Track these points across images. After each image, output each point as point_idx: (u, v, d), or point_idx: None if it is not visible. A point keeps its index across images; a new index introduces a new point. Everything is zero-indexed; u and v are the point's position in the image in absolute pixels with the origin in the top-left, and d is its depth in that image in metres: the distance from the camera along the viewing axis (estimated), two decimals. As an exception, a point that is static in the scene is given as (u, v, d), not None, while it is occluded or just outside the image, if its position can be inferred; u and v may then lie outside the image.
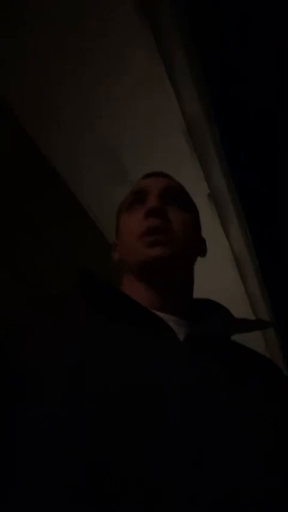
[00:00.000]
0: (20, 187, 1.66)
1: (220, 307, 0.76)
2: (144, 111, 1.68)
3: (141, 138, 1.74)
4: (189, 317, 0.68)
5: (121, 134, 1.75)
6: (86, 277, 0.66)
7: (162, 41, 1.49)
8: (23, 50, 1.45)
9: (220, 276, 2.47)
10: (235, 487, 0.45)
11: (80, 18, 1.39)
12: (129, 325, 0.58)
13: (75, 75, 1.55)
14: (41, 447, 0.44)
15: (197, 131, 1.81)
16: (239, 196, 2.31)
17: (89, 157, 1.83)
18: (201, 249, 0.83)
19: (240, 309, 2.95)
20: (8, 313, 0.61)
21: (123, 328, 0.58)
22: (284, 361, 3.93)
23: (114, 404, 0.47)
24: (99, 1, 1.34)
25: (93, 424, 0.45)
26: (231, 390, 0.55)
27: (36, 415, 0.45)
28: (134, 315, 0.60)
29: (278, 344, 3.77)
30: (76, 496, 0.41)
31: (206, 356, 0.57)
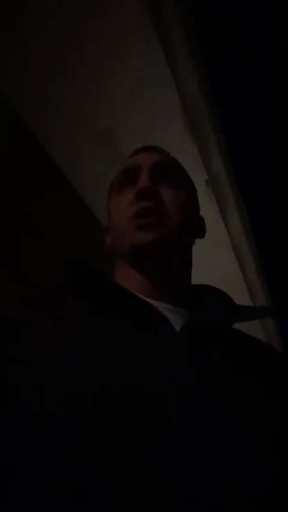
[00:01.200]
0: (20, 187, 1.66)
1: (221, 294, 0.73)
2: (143, 99, 1.68)
3: (141, 126, 1.74)
4: (187, 305, 0.66)
5: (120, 123, 1.75)
6: (76, 266, 0.63)
7: (162, 28, 1.48)
8: (23, 49, 1.45)
9: (218, 262, 2.46)
10: (235, 487, 0.44)
11: (73, 23, 1.40)
12: (123, 317, 0.56)
13: (70, 76, 1.56)
14: (40, 447, 0.43)
15: (196, 118, 1.81)
16: (238, 182, 2.30)
17: (88, 146, 1.82)
18: (199, 229, 0.78)
19: (238, 295, 2.95)
20: (8, 313, 0.60)
21: (118, 321, 0.56)
22: (283, 347, 3.95)
23: (114, 405, 0.46)
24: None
25: (93, 424, 0.44)
26: (231, 389, 0.54)
27: (36, 415, 0.45)
28: (125, 305, 0.58)
29: (276, 330, 3.79)
30: (76, 496, 0.40)
31: (205, 349, 0.56)
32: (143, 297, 0.61)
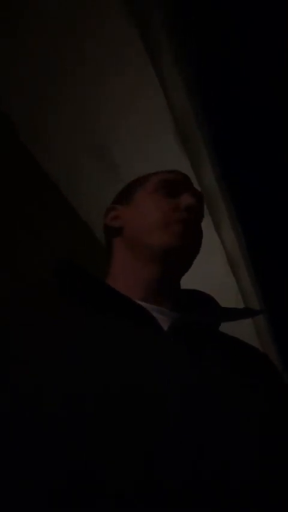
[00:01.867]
0: (20, 188, 1.66)
1: (206, 297, 0.78)
2: (135, 114, 1.69)
3: (133, 140, 1.74)
4: (177, 307, 0.70)
5: (113, 136, 1.76)
6: (66, 268, 0.66)
7: (151, 40, 1.48)
8: (16, 55, 1.45)
9: (212, 272, 2.46)
10: (236, 485, 0.45)
11: (73, 23, 1.39)
12: (116, 318, 0.58)
13: (70, 76, 1.55)
14: (40, 447, 0.43)
15: (186, 130, 1.81)
16: (230, 193, 2.29)
17: (83, 159, 1.83)
18: None
19: (232, 302, 2.96)
20: (8, 313, 0.59)
21: (112, 322, 0.58)
22: (278, 353, 3.96)
23: (114, 405, 0.46)
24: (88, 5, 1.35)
25: (93, 424, 0.45)
26: (224, 386, 0.55)
27: (36, 415, 0.45)
28: (117, 307, 0.60)
29: (270, 337, 3.79)
30: (76, 496, 0.41)
31: (194, 348, 0.58)
32: (134, 299, 0.64)
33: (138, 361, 0.52)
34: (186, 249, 0.73)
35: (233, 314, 0.74)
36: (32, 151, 1.75)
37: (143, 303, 0.65)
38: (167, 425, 0.46)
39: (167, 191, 0.79)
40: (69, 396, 0.46)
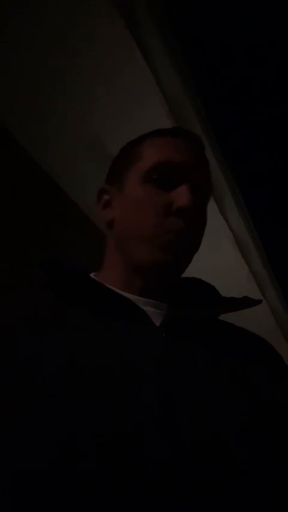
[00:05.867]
0: (20, 188, 1.67)
1: (206, 286, 0.74)
2: (135, 110, 1.69)
3: (132, 135, 1.76)
4: (172, 299, 0.67)
5: (112, 132, 1.75)
6: (54, 263, 0.64)
7: (143, 37, 1.47)
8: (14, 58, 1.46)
9: (222, 258, 2.45)
10: (226, 475, 0.45)
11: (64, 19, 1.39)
12: (102, 313, 0.58)
13: (61, 72, 1.55)
14: (37, 446, 0.44)
15: (181, 114, 1.79)
16: (233, 173, 2.25)
17: (82, 155, 1.84)
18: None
19: (246, 288, 2.94)
20: (8, 312, 0.59)
21: (108, 320, 0.57)
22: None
23: (106, 398, 0.47)
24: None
25: (87, 421, 0.45)
26: (223, 384, 0.55)
27: (33, 411, 0.46)
28: (104, 301, 0.59)
29: (284, 312, 3.77)
30: (62, 478, 0.41)
31: (183, 341, 0.57)
32: (124, 293, 0.63)
33: (128, 359, 0.53)
34: (174, 261, 0.64)
35: (231, 305, 0.69)
36: (30, 151, 1.76)
37: (133, 296, 0.63)
38: (159, 423, 0.47)
39: (162, 179, 0.66)
40: (68, 396, 0.47)
